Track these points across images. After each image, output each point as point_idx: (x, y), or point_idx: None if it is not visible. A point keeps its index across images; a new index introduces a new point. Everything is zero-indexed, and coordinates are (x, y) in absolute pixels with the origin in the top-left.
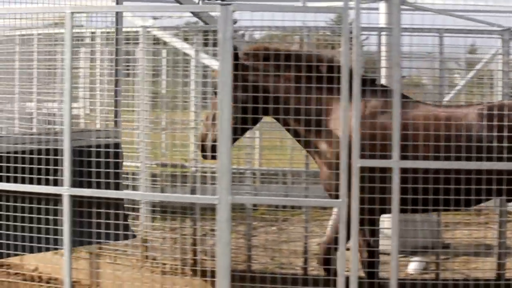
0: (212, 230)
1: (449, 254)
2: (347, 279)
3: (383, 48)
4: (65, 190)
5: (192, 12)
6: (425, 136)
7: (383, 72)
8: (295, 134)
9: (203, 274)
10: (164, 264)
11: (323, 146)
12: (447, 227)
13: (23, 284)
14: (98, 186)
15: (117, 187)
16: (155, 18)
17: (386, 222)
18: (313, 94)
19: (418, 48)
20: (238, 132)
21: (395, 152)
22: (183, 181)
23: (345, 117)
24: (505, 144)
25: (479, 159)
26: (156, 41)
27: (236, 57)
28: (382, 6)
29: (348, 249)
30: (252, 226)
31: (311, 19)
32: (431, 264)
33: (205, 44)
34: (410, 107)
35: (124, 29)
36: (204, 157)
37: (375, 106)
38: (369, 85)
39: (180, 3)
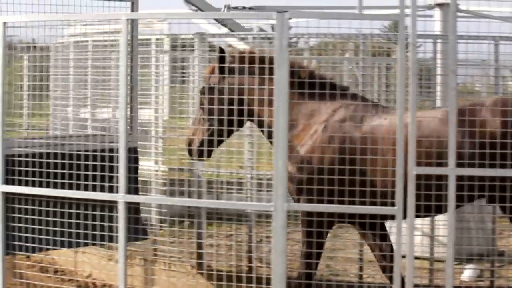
0: (267, 237)
1: (504, 261)
2: (403, 286)
3: (438, 56)
4: (121, 197)
5: (216, 20)
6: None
7: (438, 79)
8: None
9: (258, 281)
10: (219, 271)
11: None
12: (501, 235)
13: None
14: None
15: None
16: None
17: (441, 229)
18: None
19: (473, 55)
20: (224, 134)
21: (451, 159)
22: (239, 188)
23: (400, 124)
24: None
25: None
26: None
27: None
28: (437, 14)
29: (404, 257)
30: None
31: (366, 27)
32: (485, 271)
33: None
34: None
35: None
36: (192, 158)
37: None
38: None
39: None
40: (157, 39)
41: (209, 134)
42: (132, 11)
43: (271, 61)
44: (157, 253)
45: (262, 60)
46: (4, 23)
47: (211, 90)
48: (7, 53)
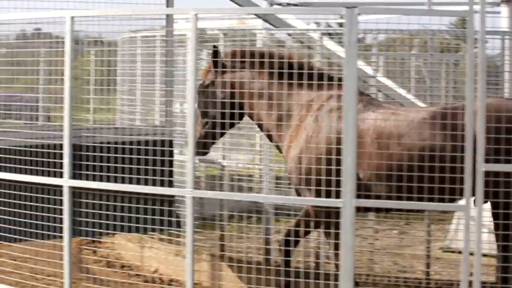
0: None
1: None
2: (470, 284)
3: (506, 52)
4: (189, 192)
5: (256, 14)
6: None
7: (506, 76)
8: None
9: (326, 277)
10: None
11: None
12: None
13: (144, 286)
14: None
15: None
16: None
17: None
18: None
19: None
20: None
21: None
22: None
23: (470, 120)
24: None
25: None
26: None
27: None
28: (505, 10)
29: (472, 254)
30: (374, 229)
31: (435, 23)
32: None
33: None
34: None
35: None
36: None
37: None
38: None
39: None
40: (224, 34)
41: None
42: (167, 6)
43: (262, 56)
44: (224, 249)
45: (252, 55)
46: (72, 17)
47: (207, 87)
48: (74, 47)
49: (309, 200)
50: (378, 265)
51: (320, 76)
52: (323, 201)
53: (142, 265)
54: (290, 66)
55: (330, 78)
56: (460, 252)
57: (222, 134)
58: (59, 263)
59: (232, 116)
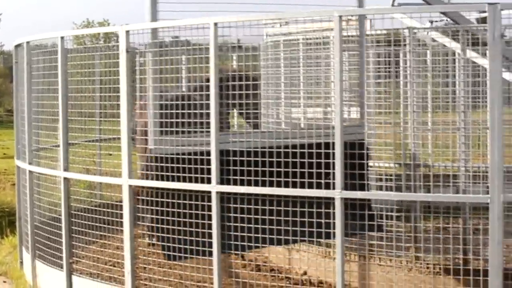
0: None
1: None
2: None
3: None
4: (338, 194)
5: (441, 12)
6: None
7: None
8: None
9: (475, 273)
10: (436, 264)
11: None
12: None
13: None
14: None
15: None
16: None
17: None
18: None
19: None
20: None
21: None
22: (453, 181)
23: None
24: None
25: None
26: (422, 41)
27: None
28: None
29: None
30: None
31: None
32: None
33: (473, 44)
34: None
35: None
36: None
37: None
38: None
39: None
40: (367, 35)
41: None
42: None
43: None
44: (373, 249)
45: None
46: (215, 24)
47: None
48: (218, 54)
49: (459, 197)
50: None
51: None
52: (470, 198)
53: (290, 268)
54: None
55: None
56: None
57: None
58: (208, 268)
59: None
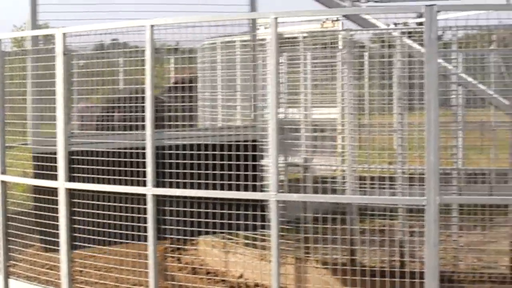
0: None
1: None
2: None
3: None
4: (273, 196)
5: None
6: None
7: None
8: None
9: (411, 276)
10: (372, 267)
11: None
12: None
13: None
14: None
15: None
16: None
17: None
18: None
19: None
20: None
21: None
22: (389, 183)
23: None
24: None
25: None
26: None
27: None
28: None
29: None
30: (458, 227)
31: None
32: None
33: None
34: None
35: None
36: None
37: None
38: None
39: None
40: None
41: None
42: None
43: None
44: (309, 251)
45: None
46: (152, 26)
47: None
48: (154, 56)
49: (393, 200)
50: (463, 262)
51: None
52: (407, 200)
53: (227, 271)
54: None
55: None
56: None
57: None
58: (144, 271)
59: None
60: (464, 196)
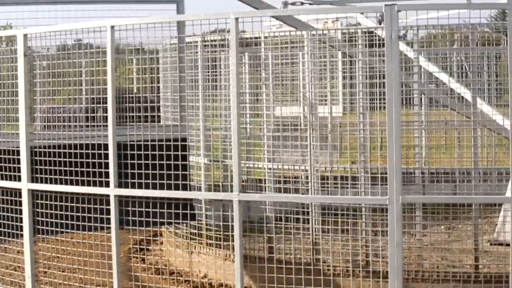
0: (383, 231)
1: None
2: None
3: None
4: (235, 196)
5: (274, 16)
6: None
7: None
8: None
9: (375, 275)
10: (336, 266)
11: None
12: None
13: None
14: None
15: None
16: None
17: None
18: None
19: None
20: None
21: None
22: (352, 183)
23: None
24: None
25: None
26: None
27: None
28: None
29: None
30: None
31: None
32: None
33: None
34: None
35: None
36: None
37: None
38: None
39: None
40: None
41: None
42: (178, 13)
43: None
44: (272, 251)
45: None
46: (112, 26)
47: None
48: (115, 57)
49: (356, 199)
50: (427, 261)
51: None
52: (370, 199)
53: (191, 271)
54: None
55: None
56: (508, 245)
57: None
58: (108, 272)
59: None
60: (427, 195)
